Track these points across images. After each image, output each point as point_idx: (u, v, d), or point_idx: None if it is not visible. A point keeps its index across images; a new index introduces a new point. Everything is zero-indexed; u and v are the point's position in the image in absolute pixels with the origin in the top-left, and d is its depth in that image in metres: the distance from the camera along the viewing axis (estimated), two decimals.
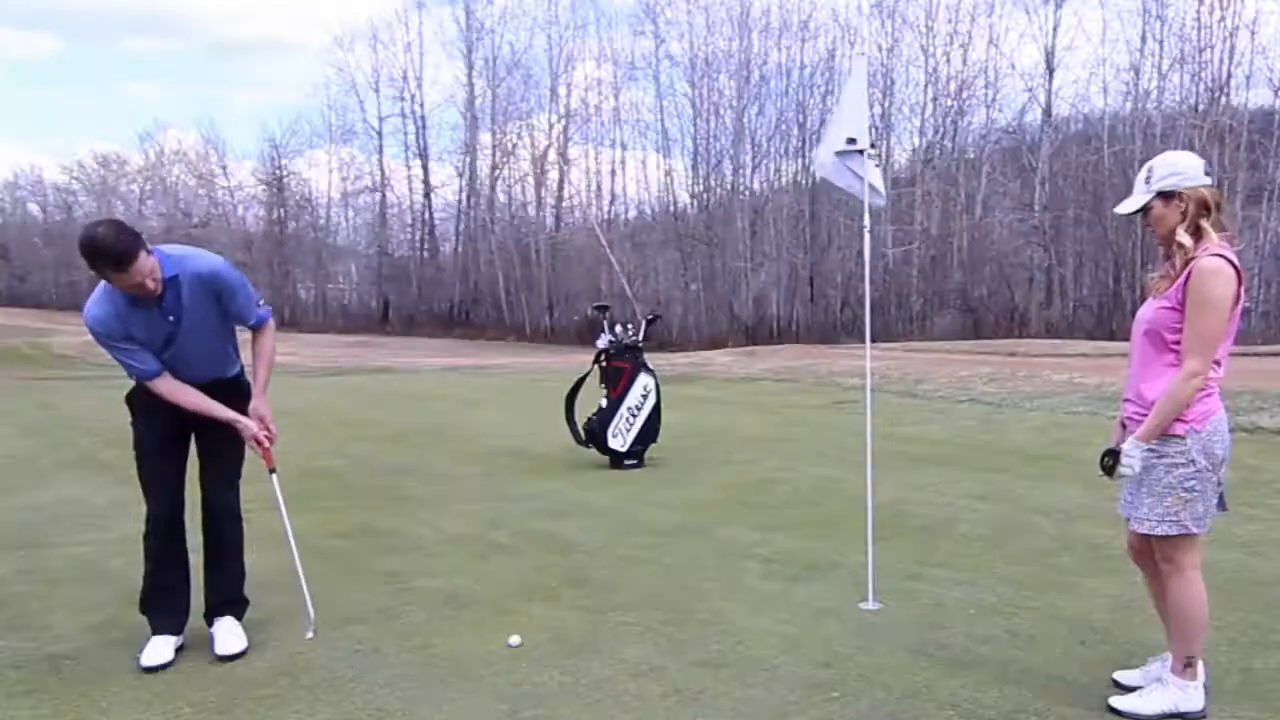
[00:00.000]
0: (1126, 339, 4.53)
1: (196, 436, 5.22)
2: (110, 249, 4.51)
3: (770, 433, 13.33)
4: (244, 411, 5.23)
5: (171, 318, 4.89)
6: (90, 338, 4.99)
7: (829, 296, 46.01)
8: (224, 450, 5.27)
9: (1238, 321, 4.17)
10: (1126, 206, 4.34)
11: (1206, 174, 4.20)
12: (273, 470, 5.41)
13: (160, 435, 5.09)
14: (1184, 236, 4.14)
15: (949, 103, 45.56)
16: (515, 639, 5.38)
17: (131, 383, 5.11)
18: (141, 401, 5.09)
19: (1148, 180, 4.25)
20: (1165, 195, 4.18)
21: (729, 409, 16.27)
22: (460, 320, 59.85)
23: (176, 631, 5.15)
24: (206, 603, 5.35)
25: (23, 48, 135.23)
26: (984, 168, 45.05)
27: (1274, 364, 17.41)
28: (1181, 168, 4.19)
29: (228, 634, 5.23)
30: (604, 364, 10.95)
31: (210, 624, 5.30)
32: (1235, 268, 4.06)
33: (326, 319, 66.92)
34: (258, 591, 5.85)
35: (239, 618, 5.35)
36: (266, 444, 5.26)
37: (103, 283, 4.77)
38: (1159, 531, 4.23)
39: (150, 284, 4.66)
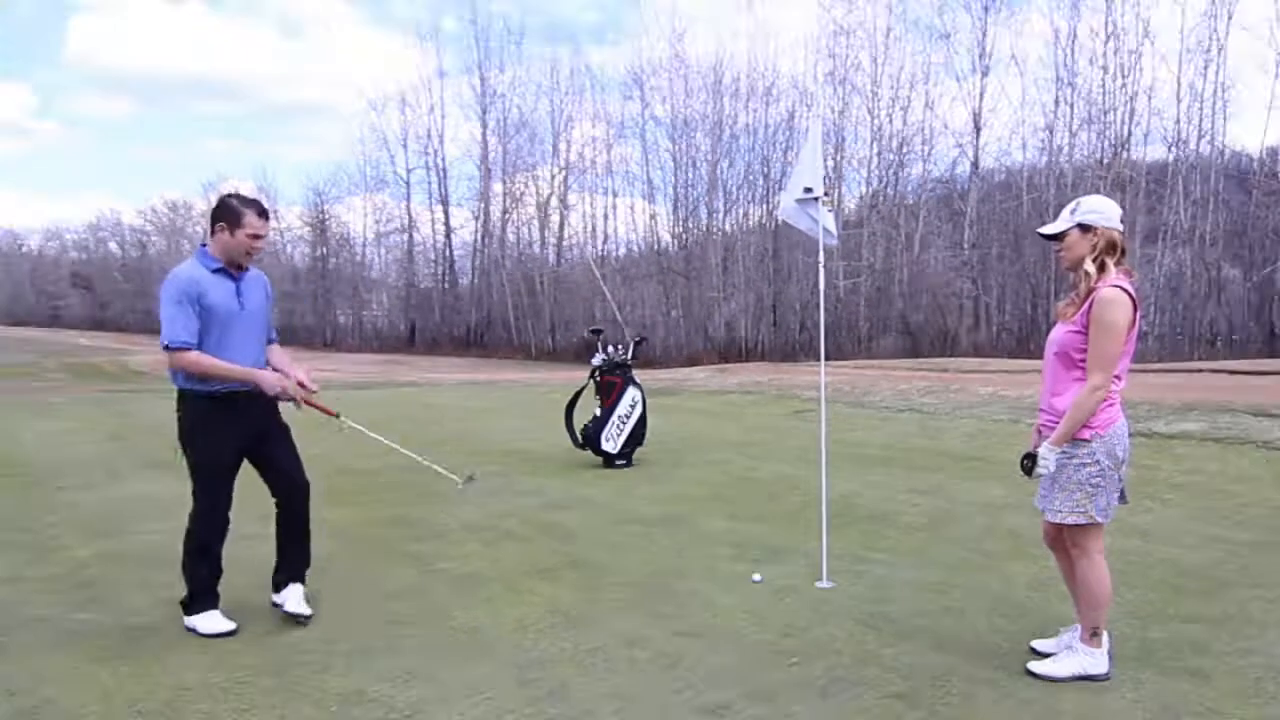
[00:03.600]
0: (1042, 358, 4.56)
1: (259, 441, 5.13)
2: (265, 206, 5.06)
3: (740, 438, 13.32)
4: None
5: (240, 299, 4.98)
6: (158, 358, 5.00)
7: (789, 321, 45.95)
8: (288, 439, 5.27)
9: (1135, 343, 4.22)
10: (1050, 228, 4.39)
11: (1121, 221, 4.27)
12: (336, 415, 5.56)
13: (231, 453, 5.05)
14: (1090, 265, 4.20)
15: (891, 157, 45.59)
16: (757, 576, 5.95)
17: (189, 419, 5.01)
18: (214, 423, 4.94)
19: (1073, 212, 4.30)
20: (1084, 227, 4.24)
21: (705, 417, 16.27)
22: (476, 342, 59.69)
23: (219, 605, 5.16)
24: (280, 572, 5.34)
25: (106, 110, 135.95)
26: (921, 212, 45.09)
27: (1168, 379, 17.45)
28: (1103, 209, 4.25)
29: (301, 598, 5.27)
30: (598, 379, 10.95)
31: (279, 590, 5.31)
32: (1131, 297, 4.11)
33: (362, 340, 66.85)
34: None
35: (304, 584, 5.37)
36: (304, 394, 5.11)
37: (190, 259, 4.97)
38: (1069, 521, 4.27)
39: (256, 247, 4.97)
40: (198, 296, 4.82)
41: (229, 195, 5.07)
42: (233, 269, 4.99)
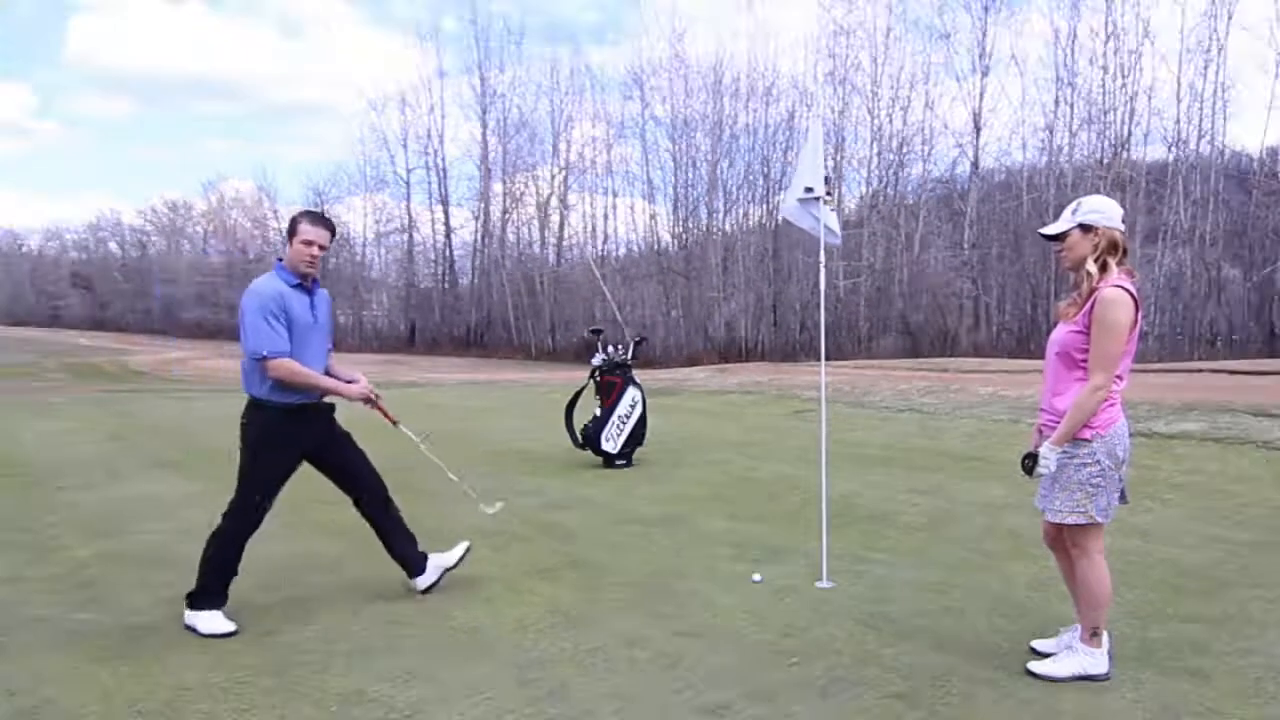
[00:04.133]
0: (1042, 358, 4.56)
1: (322, 447, 5.37)
2: (332, 221, 5.30)
3: (740, 438, 13.32)
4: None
5: (315, 311, 5.21)
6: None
7: (789, 321, 45.98)
8: (352, 441, 5.52)
9: (1136, 343, 4.22)
10: (1051, 228, 4.37)
11: (1122, 221, 4.27)
12: (395, 422, 5.71)
13: (294, 461, 5.25)
14: (1092, 266, 4.20)
15: (891, 157, 45.64)
16: (757, 576, 5.95)
17: (261, 424, 5.14)
18: (283, 434, 5.14)
19: (1074, 212, 4.30)
20: (1085, 227, 4.23)
21: (705, 417, 16.27)
22: (476, 342, 59.72)
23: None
24: (408, 559, 5.65)
25: (106, 110, 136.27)
26: (921, 212, 45.12)
27: (1168, 379, 17.46)
28: (1104, 209, 4.25)
29: (440, 557, 5.76)
30: (598, 379, 10.96)
31: (420, 573, 5.67)
32: (1133, 297, 4.11)
33: (362, 340, 66.87)
34: (302, 573, 5.86)
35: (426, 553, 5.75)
36: (378, 400, 5.47)
37: (269, 273, 5.16)
38: (1070, 521, 4.26)
39: (312, 254, 5.09)
40: (283, 309, 5.03)
41: (318, 212, 5.48)
42: (305, 283, 5.18)
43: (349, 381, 5.40)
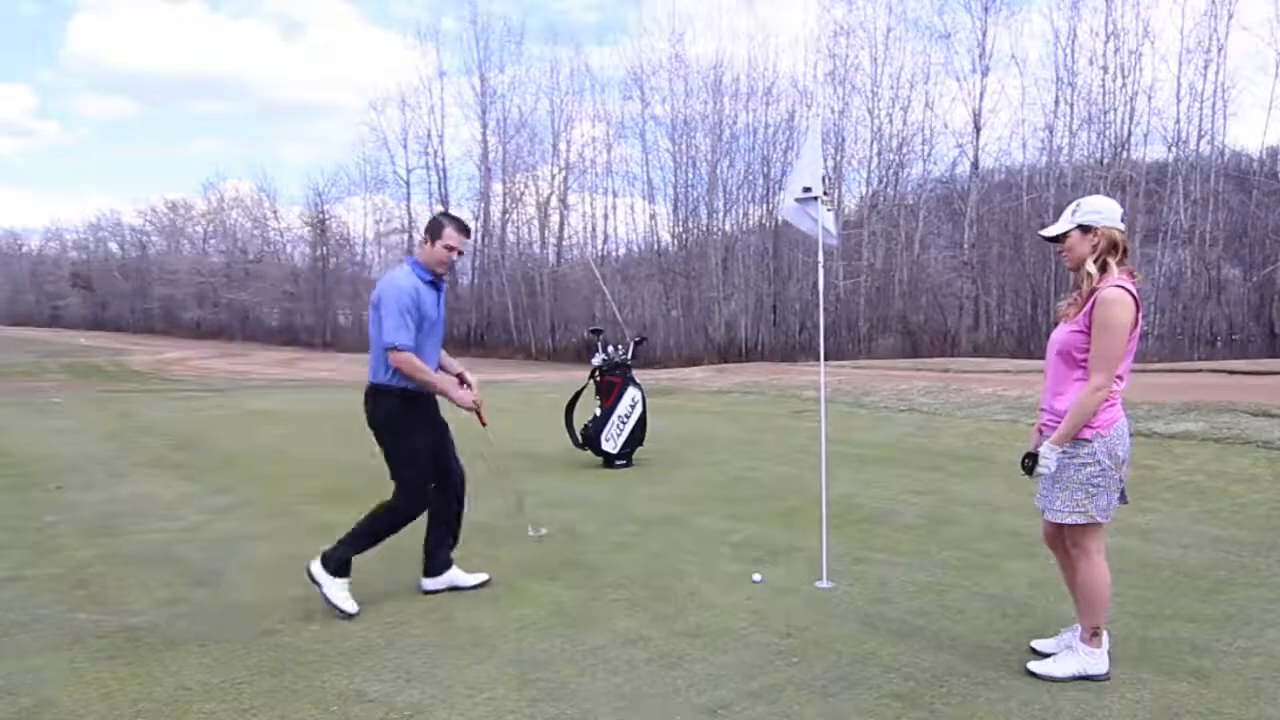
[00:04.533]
0: (1042, 358, 4.56)
1: (432, 434, 5.63)
2: (466, 224, 5.59)
3: (739, 437, 13.32)
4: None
5: (439, 308, 5.53)
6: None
7: (789, 321, 45.97)
8: (449, 432, 5.77)
9: (1137, 343, 4.21)
10: (1051, 230, 4.37)
11: (1122, 220, 4.27)
12: (485, 424, 6.03)
13: (430, 438, 5.56)
14: (1091, 267, 4.20)
15: (891, 157, 45.61)
16: (758, 576, 5.96)
17: (394, 414, 5.43)
18: (419, 417, 5.48)
19: (1074, 213, 4.30)
20: (1084, 228, 4.23)
21: (704, 417, 16.26)
22: (476, 341, 59.70)
23: None
24: (434, 558, 5.80)
25: (106, 110, 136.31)
26: (921, 212, 45.11)
27: (1168, 379, 17.46)
28: (1103, 209, 4.25)
29: (460, 573, 5.87)
30: (598, 379, 10.96)
31: (435, 576, 5.79)
32: (1134, 297, 4.10)
33: (362, 340, 66.64)
34: (301, 573, 5.83)
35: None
36: (480, 409, 5.79)
37: (404, 266, 5.45)
38: (1069, 521, 4.26)
39: (451, 258, 5.44)
40: (417, 305, 5.32)
41: (439, 213, 5.74)
42: (437, 280, 5.48)
43: (457, 377, 5.72)
